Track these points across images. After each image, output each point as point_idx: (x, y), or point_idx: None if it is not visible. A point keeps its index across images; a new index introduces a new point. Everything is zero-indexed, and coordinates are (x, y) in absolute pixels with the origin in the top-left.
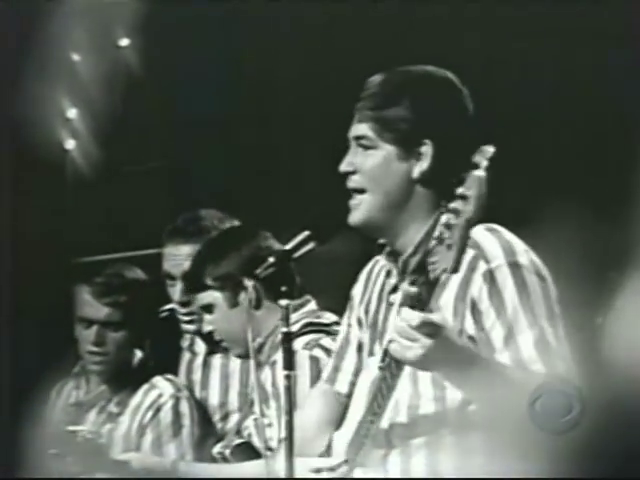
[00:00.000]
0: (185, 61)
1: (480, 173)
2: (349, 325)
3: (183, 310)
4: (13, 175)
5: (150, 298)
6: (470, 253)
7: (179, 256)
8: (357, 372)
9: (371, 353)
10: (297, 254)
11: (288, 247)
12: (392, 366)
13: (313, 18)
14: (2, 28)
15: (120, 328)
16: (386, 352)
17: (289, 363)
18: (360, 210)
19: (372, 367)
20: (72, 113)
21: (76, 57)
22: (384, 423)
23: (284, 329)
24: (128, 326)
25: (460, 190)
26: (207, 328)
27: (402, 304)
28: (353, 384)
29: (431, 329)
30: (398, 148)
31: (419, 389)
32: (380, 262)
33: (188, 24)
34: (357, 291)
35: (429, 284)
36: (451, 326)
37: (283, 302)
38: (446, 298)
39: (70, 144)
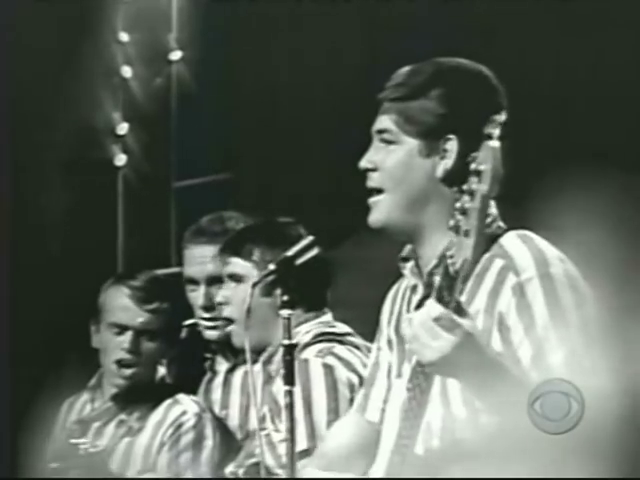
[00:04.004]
0: (238, 72)
1: (494, 144)
2: (379, 349)
3: (207, 315)
4: (63, 191)
5: (186, 310)
6: (499, 263)
7: (203, 258)
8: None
9: (399, 375)
10: (300, 261)
11: (290, 254)
12: (421, 379)
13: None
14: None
15: (155, 337)
16: (415, 368)
17: (290, 378)
18: (379, 210)
19: (400, 390)
20: (123, 128)
21: (127, 72)
22: (419, 449)
23: (286, 341)
24: (162, 336)
25: (473, 166)
26: (220, 299)
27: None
28: (385, 411)
29: (452, 324)
30: (422, 142)
31: (452, 410)
32: (406, 279)
33: (240, 35)
34: (384, 312)
35: (450, 279)
36: (478, 330)
37: (285, 312)
38: (474, 310)
39: (121, 160)
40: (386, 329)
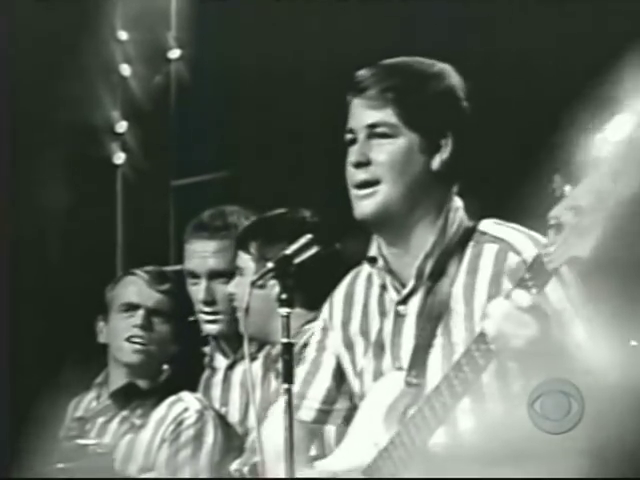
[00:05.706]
0: (237, 70)
1: None
2: (322, 349)
3: (207, 309)
4: (63, 189)
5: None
6: (493, 248)
7: (205, 252)
8: (328, 400)
9: (380, 373)
10: (298, 259)
11: (288, 252)
12: (466, 372)
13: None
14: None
15: (167, 320)
16: (412, 364)
17: (289, 376)
18: (374, 200)
19: (393, 383)
20: (122, 126)
21: (126, 70)
22: (440, 442)
23: (284, 340)
24: (174, 319)
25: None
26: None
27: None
28: (322, 412)
29: (541, 313)
30: (422, 138)
31: (486, 406)
32: (361, 278)
33: (238, 33)
34: (336, 313)
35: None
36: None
37: (283, 311)
38: (480, 298)
39: (120, 158)
40: (341, 331)
